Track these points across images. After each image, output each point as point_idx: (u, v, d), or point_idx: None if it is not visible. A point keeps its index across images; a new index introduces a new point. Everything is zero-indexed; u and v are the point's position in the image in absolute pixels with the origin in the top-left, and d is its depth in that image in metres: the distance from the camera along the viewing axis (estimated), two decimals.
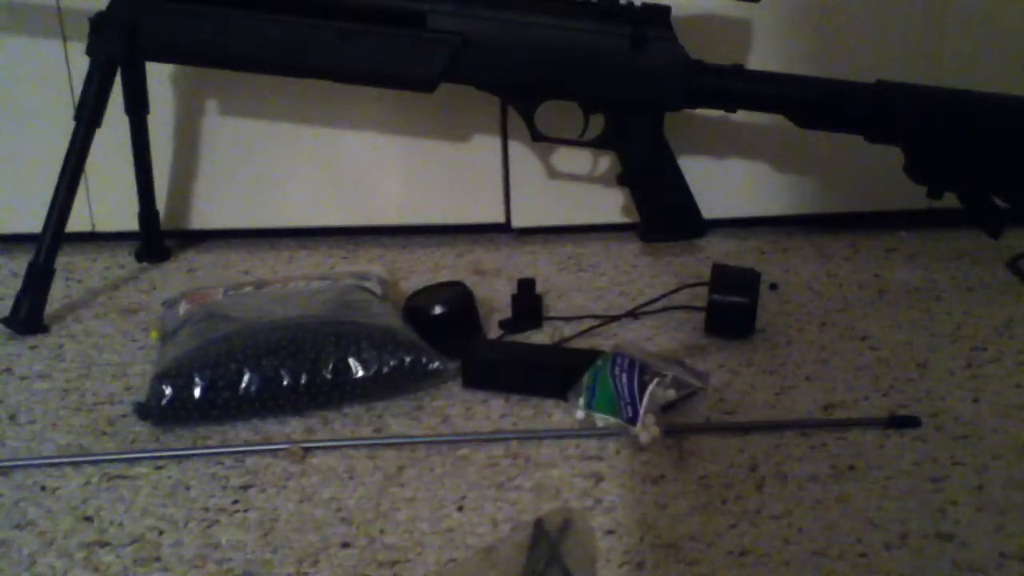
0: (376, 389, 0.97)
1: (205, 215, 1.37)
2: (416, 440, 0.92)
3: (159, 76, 1.28)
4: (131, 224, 1.31)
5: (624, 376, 0.92)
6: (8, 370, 1.07)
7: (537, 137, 1.23)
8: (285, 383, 0.95)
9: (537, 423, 0.95)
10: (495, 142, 1.34)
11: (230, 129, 1.34)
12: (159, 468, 0.89)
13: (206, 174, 1.35)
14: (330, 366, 0.96)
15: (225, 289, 1.11)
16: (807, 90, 1.18)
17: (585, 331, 1.10)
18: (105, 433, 0.95)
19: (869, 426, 0.92)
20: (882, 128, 1.19)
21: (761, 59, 1.27)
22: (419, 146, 1.34)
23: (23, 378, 1.05)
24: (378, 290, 1.10)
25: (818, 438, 0.91)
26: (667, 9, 1.17)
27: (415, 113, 1.32)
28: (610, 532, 0.79)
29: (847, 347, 1.07)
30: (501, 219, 1.37)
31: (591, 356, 0.97)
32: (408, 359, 0.98)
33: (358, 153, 1.35)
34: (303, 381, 0.96)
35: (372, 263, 1.30)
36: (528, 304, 1.12)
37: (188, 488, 0.86)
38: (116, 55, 1.17)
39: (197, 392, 0.94)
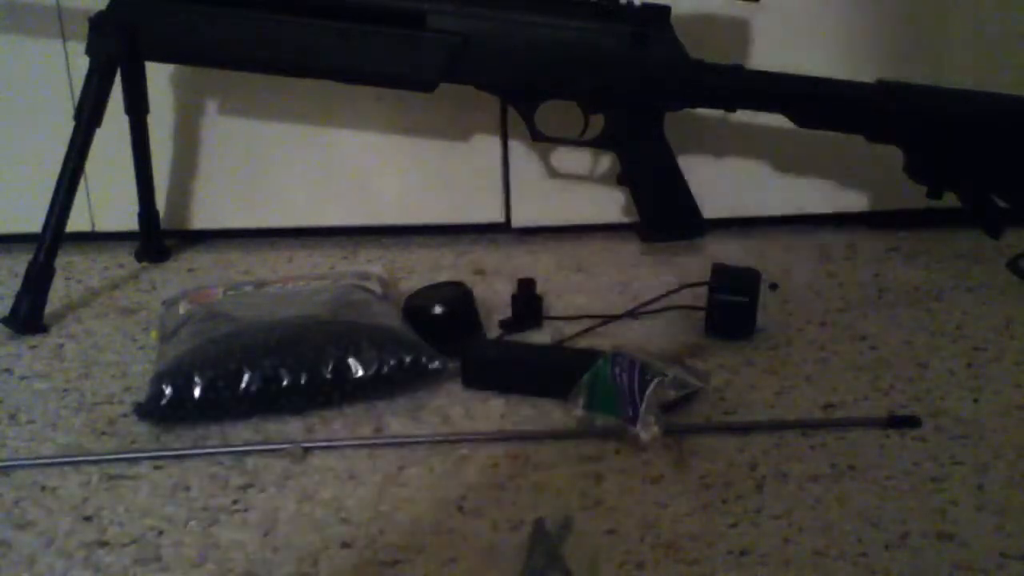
0: (376, 389, 0.97)
1: (205, 215, 1.37)
2: (416, 440, 0.92)
3: (159, 76, 1.28)
4: (131, 224, 1.31)
5: (624, 376, 0.92)
6: (8, 370, 1.07)
7: (537, 137, 1.23)
8: (285, 383, 0.95)
9: (537, 423, 0.95)
10: (495, 142, 1.34)
11: (230, 129, 1.34)
12: (159, 468, 0.89)
13: (206, 174, 1.35)
14: (330, 366, 0.96)
15: (225, 289, 1.11)
16: (807, 90, 1.18)
17: (585, 331, 1.10)
18: (105, 433, 0.95)
19: (869, 426, 0.92)
20: (882, 128, 1.19)
21: (761, 59, 1.27)
22: (419, 146, 1.34)
23: (23, 378, 1.05)
24: (378, 290, 1.10)
25: (818, 438, 0.91)
26: (667, 9, 1.17)
27: (415, 113, 1.32)
28: (610, 532, 0.79)
29: (847, 347, 1.07)
30: (501, 219, 1.37)
31: (591, 356, 0.97)
32: (408, 359, 0.98)
33: (358, 153, 1.35)
34: (303, 381, 0.96)
35: (372, 263, 1.30)
36: (528, 304, 1.12)
37: (188, 488, 0.87)
38: (116, 55, 1.17)
39: (197, 392, 0.94)
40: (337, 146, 1.34)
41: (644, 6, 1.17)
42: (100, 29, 1.16)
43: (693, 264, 1.27)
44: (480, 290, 1.16)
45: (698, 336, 1.09)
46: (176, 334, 1.02)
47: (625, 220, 1.34)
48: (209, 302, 1.07)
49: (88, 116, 1.16)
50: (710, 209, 1.27)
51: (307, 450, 0.91)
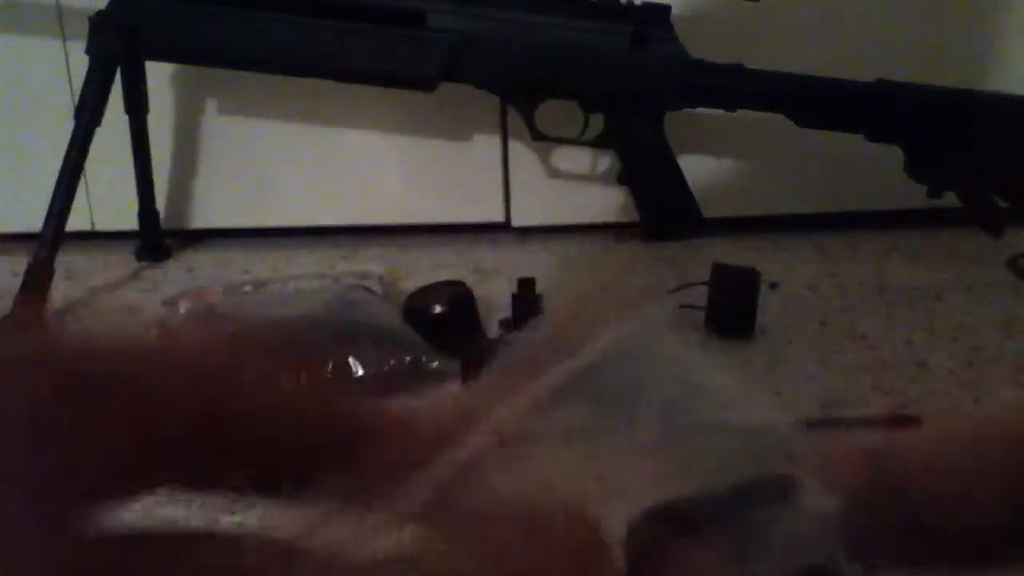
0: (376, 389, 0.97)
1: (205, 215, 1.37)
2: None
3: (159, 76, 1.28)
4: (131, 223, 1.31)
5: None
6: None
7: (537, 136, 1.23)
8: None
9: None
10: (495, 142, 1.34)
11: (230, 129, 1.34)
12: None
13: (206, 174, 1.35)
14: (330, 366, 0.96)
15: (225, 289, 1.11)
16: (807, 89, 1.18)
17: None
18: None
19: (869, 426, 0.92)
20: (882, 127, 1.19)
21: (761, 59, 1.27)
22: (419, 145, 1.34)
23: None
24: (378, 290, 1.10)
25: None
26: (667, 8, 1.17)
27: (415, 113, 1.32)
28: None
29: (847, 347, 1.06)
30: (501, 218, 1.37)
31: None
32: (408, 358, 0.98)
33: (358, 152, 1.35)
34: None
35: (372, 263, 1.30)
36: (528, 304, 1.12)
37: None
38: (116, 55, 1.17)
39: None
40: (337, 146, 1.34)
41: (644, 6, 1.17)
42: (100, 29, 1.16)
43: (693, 264, 1.26)
44: (480, 290, 1.16)
45: (698, 336, 1.09)
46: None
47: (625, 220, 1.34)
48: (209, 302, 1.07)
49: (88, 116, 1.16)
50: (710, 209, 1.27)
51: None
